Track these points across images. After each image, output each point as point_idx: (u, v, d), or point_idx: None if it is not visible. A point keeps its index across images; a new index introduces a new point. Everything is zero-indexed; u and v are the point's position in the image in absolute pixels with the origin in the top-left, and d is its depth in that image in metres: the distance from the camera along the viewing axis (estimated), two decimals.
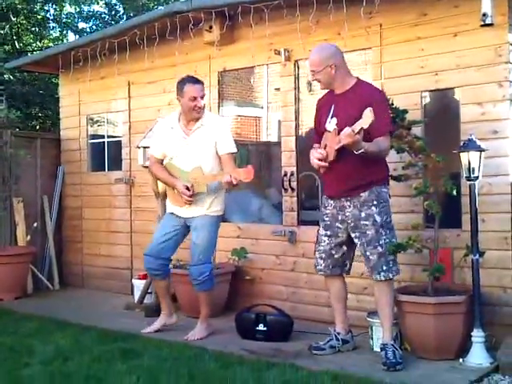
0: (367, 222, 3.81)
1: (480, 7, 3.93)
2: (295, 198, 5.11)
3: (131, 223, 6.32)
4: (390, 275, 3.82)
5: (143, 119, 6.14)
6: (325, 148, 3.83)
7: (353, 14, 4.55)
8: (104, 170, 6.76)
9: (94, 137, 6.98)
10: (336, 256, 4.03)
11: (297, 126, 5.17)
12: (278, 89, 5.88)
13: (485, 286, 3.96)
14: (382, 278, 3.81)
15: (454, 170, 4.12)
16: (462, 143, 3.96)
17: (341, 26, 4.66)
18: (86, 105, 6.86)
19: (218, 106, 5.70)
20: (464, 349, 3.82)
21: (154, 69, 6.05)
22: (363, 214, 3.82)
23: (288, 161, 5.17)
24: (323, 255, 4.05)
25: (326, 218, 4.02)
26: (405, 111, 4.12)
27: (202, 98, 4.44)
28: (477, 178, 3.84)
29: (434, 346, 3.81)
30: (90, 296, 6.30)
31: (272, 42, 5.19)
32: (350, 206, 3.87)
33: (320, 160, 3.82)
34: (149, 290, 5.45)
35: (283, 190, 5.18)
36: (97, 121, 7.23)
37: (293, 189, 5.11)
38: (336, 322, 4.15)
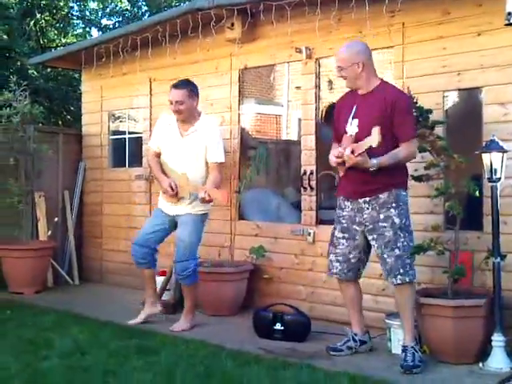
0: (385, 224, 3.76)
1: (504, 6, 3.86)
2: (314, 197, 5.08)
3: None
4: (407, 279, 3.75)
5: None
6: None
7: (375, 13, 4.51)
8: (124, 166, 6.80)
9: (115, 133, 7.02)
10: (353, 260, 3.97)
11: (317, 125, 5.14)
12: (298, 87, 5.85)
13: (506, 289, 3.90)
14: (399, 282, 3.75)
15: (476, 172, 4.07)
16: (484, 144, 3.91)
17: (363, 24, 4.62)
18: (108, 101, 6.89)
19: (239, 104, 5.69)
20: (484, 353, 3.77)
21: (175, 66, 6.06)
22: (382, 216, 3.77)
23: (308, 159, 5.14)
24: (340, 258, 3.99)
25: (343, 221, 3.96)
26: (429, 111, 4.08)
27: (178, 102, 4.58)
28: (499, 179, 3.79)
29: (454, 349, 3.77)
30: (109, 291, 6.34)
31: (293, 39, 5.16)
32: (368, 208, 3.81)
33: (338, 159, 3.76)
34: (167, 287, 5.46)
35: (302, 189, 5.16)
36: (118, 117, 7.28)
37: (312, 188, 5.08)
38: (352, 323, 4.12)
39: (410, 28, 4.55)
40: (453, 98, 4.60)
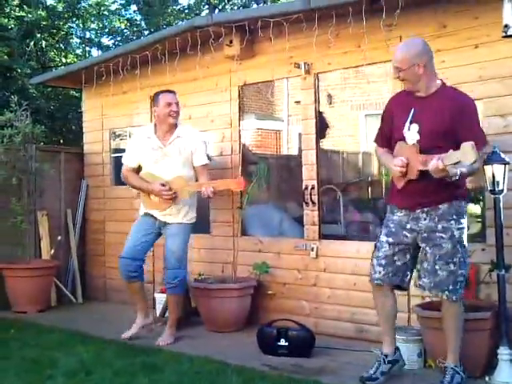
0: (444, 235, 3.49)
1: (501, 18, 3.89)
2: (316, 212, 5.08)
3: None
4: (454, 297, 3.51)
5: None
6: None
7: (372, 27, 4.53)
8: (126, 184, 6.78)
9: (116, 151, 7.04)
10: (398, 263, 3.64)
11: (317, 139, 5.15)
12: (298, 102, 5.87)
13: (511, 301, 3.88)
14: (444, 297, 3.52)
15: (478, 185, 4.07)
16: (486, 156, 3.91)
17: (360, 38, 4.65)
18: (109, 119, 6.93)
19: (239, 120, 5.71)
20: (490, 366, 3.75)
21: (175, 83, 6.07)
22: (440, 227, 3.50)
23: (309, 174, 5.15)
24: (383, 262, 3.66)
25: (392, 225, 3.66)
26: None
27: (176, 104, 4.75)
28: (501, 191, 3.78)
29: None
30: (113, 309, 6.32)
31: (292, 55, 5.19)
32: (425, 219, 3.53)
33: (401, 168, 3.48)
34: None
35: (304, 204, 5.16)
36: (119, 135, 7.30)
37: (314, 202, 5.08)
38: (384, 342, 3.81)
39: None
40: None
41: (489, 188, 3.82)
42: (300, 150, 5.35)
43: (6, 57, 10.42)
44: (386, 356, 3.74)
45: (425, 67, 3.51)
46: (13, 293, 6.12)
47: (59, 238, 6.79)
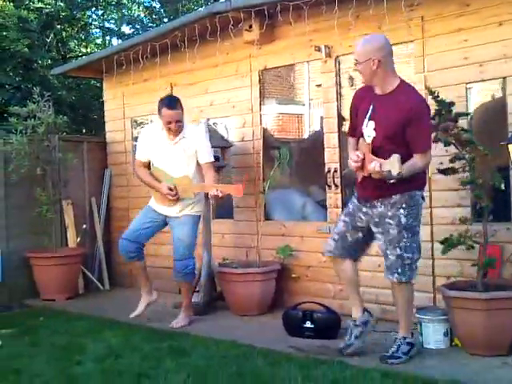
0: (392, 222, 3.71)
1: None
2: (339, 195, 5.08)
3: None
4: (403, 279, 3.74)
5: (186, 121, 6.19)
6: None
7: (393, 8, 4.50)
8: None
9: (138, 139, 7.08)
10: (350, 239, 3.92)
11: (339, 122, 5.14)
12: (319, 85, 5.85)
13: None
14: (394, 280, 3.76)
15: (503, 163, 4.03)
16: (509, 135, 3.88)
17: (381, 19, 4.61)
18: (130, 107, 6.97)
19: (260, 105, 5.72)
20: None
21: (195, 70, 6.11)
22: (389, 214, 3.72)
23: (331, 157, 5.14)
24: (336, 237, 3.96)
25: (351, 206, 3.95)
26: (451, 104, 4.04)
27: (176, 121, 4.72)
28: None
29: (485, 342, 3.74)
30: (139, 295, 6.37)
31: (312, 38, 5.17)
32: (380, 207, 3.76)
33: (357, 163, 3.70)
34: (196, 289, 5.50)
35: (327, 187, 5.16)
36: (141, 123, 7.34)
37: (336, 185, 5.08)
38: (353, 308, 4.05)
39: (429, 21, 4.53)
40: (476, 90, 4.55)
41: None
42: (322, 133, 5.34)
43: (26, 49, 10.51)
44: (355, 320, 3.98)
45: (380, 62, 3.62)
46: (41, 281, 6.22)
47: (84, 226, 6.88)
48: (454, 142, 3.99)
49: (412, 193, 3.72)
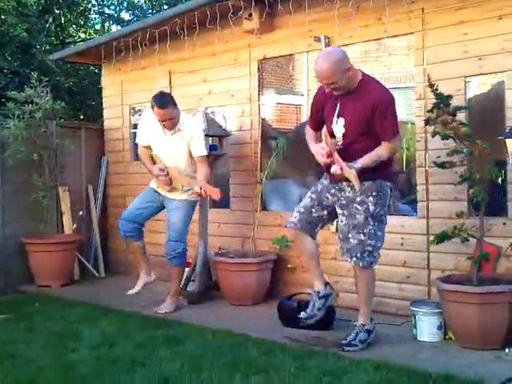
0: (359, 207, 3.80)
1: None
2: None
3: None
4: (360, 264, 3.84)
5: (184, 108, 6.17)
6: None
7: None
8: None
9: (136, 126, 7.04)
10: (315, 215, 4.00)
11: None
12: None
13: None
14: (353, 263, 3.88)
15: (500, 157, 4.03)
16: (507, 129, 3.87)
17: (382, 11, 4.60)
18: (128, 95, 6.94)
19: (258, 94, 5.70)
20: (510, 338, 3.74)
21: (194, 58, 6.08)
22: (358, 199, 3.80)
23: None
24: (301, 210, 4.02)
25: (320, 186, 4.02)
26: (449, 97, 4.03)
27: (170, 120, 4.77)
28: None
29: (479, 335, 3.76)
30: (134, 283, 6.34)
31: (312, 28, 5.15)
32: (349, 192, 3.83)
33: (328, 158, 3.75)
34: (192, 278, 5.51)
35: None
36: (139, 110, 7.30)
37: None
38: (314, 280, 4.14)
39: (429, 14, 4.51)
40: (475, 84, 4.55)
41: (510, 161, 3.79)
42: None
43: (25, 33, 10.43)
44: (319, 292, 4.08)
45: (350, 68, 3.68)
46: (36, 267, 6.22)
47: (81, 212, 6.88)
48: (452, 135, 4.00)
49: (382, 182, 3.82)
